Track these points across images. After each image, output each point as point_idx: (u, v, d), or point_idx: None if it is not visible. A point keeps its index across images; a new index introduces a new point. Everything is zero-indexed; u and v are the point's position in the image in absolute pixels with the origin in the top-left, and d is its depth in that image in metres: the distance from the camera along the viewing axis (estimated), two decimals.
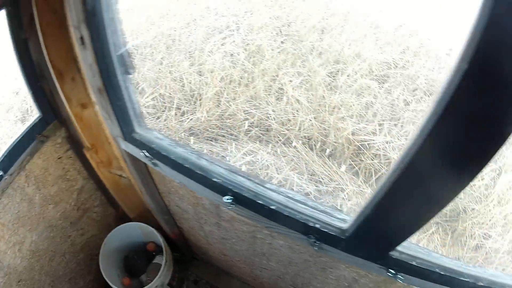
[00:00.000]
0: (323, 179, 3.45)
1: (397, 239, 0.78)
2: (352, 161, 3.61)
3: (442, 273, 0.82)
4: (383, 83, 3.96)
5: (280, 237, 1.24)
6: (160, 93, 3.77)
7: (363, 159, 3.58)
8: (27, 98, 4.14)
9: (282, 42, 4.26)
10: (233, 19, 4.61)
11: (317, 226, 0.89)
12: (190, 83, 3.84)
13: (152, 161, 1.23)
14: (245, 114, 3.69)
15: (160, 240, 2.04)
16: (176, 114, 3.68)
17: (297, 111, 3.75)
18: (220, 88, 3.81)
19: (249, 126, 3.64)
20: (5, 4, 1.18)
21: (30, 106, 4.07)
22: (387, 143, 3.55)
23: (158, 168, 1.25)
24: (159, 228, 2.09)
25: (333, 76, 4.02)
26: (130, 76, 1.09)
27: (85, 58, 1.04)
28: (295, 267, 1.47)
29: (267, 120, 3.70)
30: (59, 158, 1.79)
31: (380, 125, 3.65)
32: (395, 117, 3.71)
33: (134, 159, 1.42)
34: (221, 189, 1.03)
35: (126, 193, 2.00)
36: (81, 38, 0.98)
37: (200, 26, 4.53)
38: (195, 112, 3.67)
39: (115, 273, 2.14)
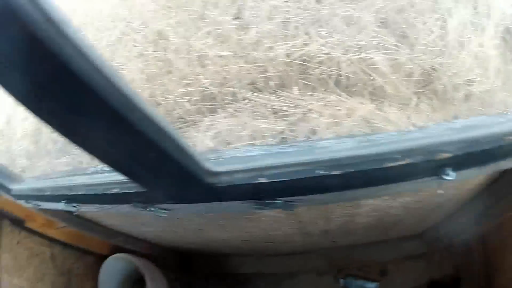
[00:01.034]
0: (288, 111, 3.40)
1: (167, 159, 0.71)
2: (306, 80, 3.52)
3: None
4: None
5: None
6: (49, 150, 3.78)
7: (311, 72, 3.49)
8: None
9: (175, 16, 4.12)
10: (122, 24, 4.49)
11: (118, 190, 0.95)
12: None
13: (34, 203, 1.36)
14: (184, 99, 3.65)
15: (132, 259, 2.15)
16: None
17: (226, 65, 3.66)
18: (150, 89, 3.75)
19: (191, 105, 3.61)
20: None
21: None
22: (323, 46, 3.42)
23: (41, 207, 1.39)
24: (132, 252, 2.23)
25: (238, 16, 3.87)
26: None
27: None
28: (231, 227, 1.49)
29: (206, 90, 3.64)
30: (18, 243, 1.99)
31: (306, 34, 3.51)
32: (316, 18, 3.57)
33: (43, 210, 1.54)
34: (58, 198, 1.15)
35: (85, 237, 2.17)
36: None
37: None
38: None
39: None
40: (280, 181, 0.75)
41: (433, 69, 3.10)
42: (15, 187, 1.42)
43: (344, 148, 0.78)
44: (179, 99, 3.64)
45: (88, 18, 4.57)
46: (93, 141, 0.61)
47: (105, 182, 1.01)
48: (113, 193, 0.97)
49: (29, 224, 1.97)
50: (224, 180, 0.77)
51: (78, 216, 1.79)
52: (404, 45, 3.27)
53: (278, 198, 0.82)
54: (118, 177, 0.92)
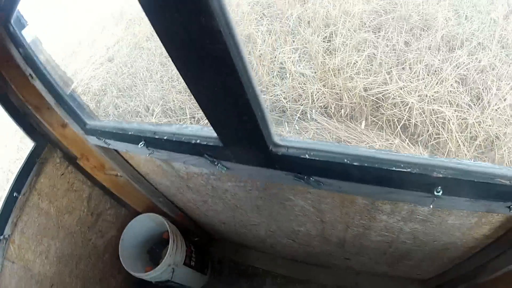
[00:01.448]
0: (351, 143, 3.61)
1: (253, 127, 0.96)
2: (373, 117, 3.72)
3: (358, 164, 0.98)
4: (379, 32, 4.05)
5: (224, 178, 1.52)
6: (170, 108, 4.24)
7: (383, 111, 3.68)
8: None
9: (269, 25, 4.56)
10: None
11: (198, 141, 1.17)
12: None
13: (105, 141, 1.62)
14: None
15: (164, 222, 2.40)
16: (191, 123, 4.13)
17: (304, 84, 3.96)
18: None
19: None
20: None
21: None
22: (401, 88, 3.62)
23: (110, 146, 1.65)
24: (165, 215, 2.48)
25: (328, 40, 4.18)
26: (68, 91, 1.63)
27: (38, 86, 1.61)
28: (265, 211, 1.73)
29: (279, 102, 3.97)
30: (62, 175, 2.28)
31: (388, 73, 3.73)
32: (401, 61, 3.78)
33: (105, 150, 1.84)
34: (135, 139, 1.38)
35: (127, 190, 2.42)
36: (30, 75, 1.57)
37: None
38: None
39: (140, 265, 2.56)
40: (317, 160, 1.02)
41: (497, 137, 3.15)
42: (90, 122, 1.71)
43: (368, 151, 1.03)
44: None
45: None
46: (207, 90, 0.86)
47: (188, 133, 1.22)
48: (192, 143, 1.18)
49: (80, 162, 2.21)
50: (281, 151, 1.05)
51: (133, 167, 2.10)
52: (476, 106, 3.36)
53: (312, 176, 1.10)
54: (199, 132, 1.19)
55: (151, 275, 2.29)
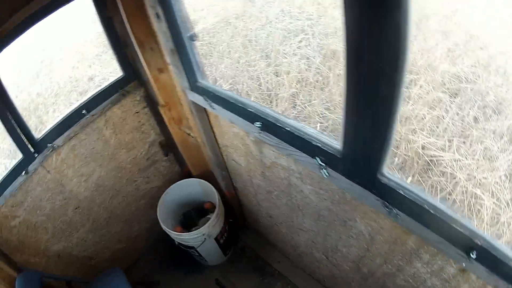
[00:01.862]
0: None
1: (376, 155, 1.15)
2: (420, 176, 3.93)
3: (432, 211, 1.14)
4: (455, 97, 4.23)
5: (307, 180, 1.74)
6: (237, 90, 4.49)
7: (430, 176, 3.88)
8: (103, 83, 5.39)
9: None
10: (307, 23, 5.23)
11: (319, 145, 1.34)
12: (267, 82, 4.48)
13: (210, 104, 1.82)
14: (319, 117, 4.26)
15: (216, 196, 2.61)
16: None
17: None
18: (296, 90, 4.40)
19: (321, 129, 4.20)
20: None
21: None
22: (455, 161, 3.81)
23: (214, 110, 1.84)
24: (217, 188, 2.69)
25: (407, 86, 4.41)
26: (194, 42, 1.76)
27: (160, 28, 1.73)
28: (324, 222, 1.96)
29: (338, 125, 4.21)
30: (136, 113, 2.51)
31: (449, 141, 3.90)
32: (464, 134, 3.94)
33: (198, 110, 2.02)
34: (253, 117, 1.58)
35: (192, 151, 2.64)
36: (157, 14, 1.68)
37: (276, 29, 5.25)
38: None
39: (170, 223, 2.76)
40: (406, 197, 1.26)
41: None
42: (202, 81, 1.86)
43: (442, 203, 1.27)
44: (314, 113, 4.26)
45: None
46: (361, 101, 1.03)
47: (310, 133, 1.40)
48: (310, 143, 1.37)
49: (161, 109, 2.41)
50: (384, 180, 1.19)
51: (214, 134, 2.26)
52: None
53: (395, 209, 1.34)
54: (319, 136, 1.37)
55: (183, 237, 2.50)
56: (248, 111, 1.62)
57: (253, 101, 1.69)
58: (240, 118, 1.70)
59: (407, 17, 0.76)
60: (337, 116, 4.20)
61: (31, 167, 2.17)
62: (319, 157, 1.41)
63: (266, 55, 4.87)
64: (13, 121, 2.03)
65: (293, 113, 4.28)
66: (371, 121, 1.06)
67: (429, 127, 4.09)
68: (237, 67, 4.74)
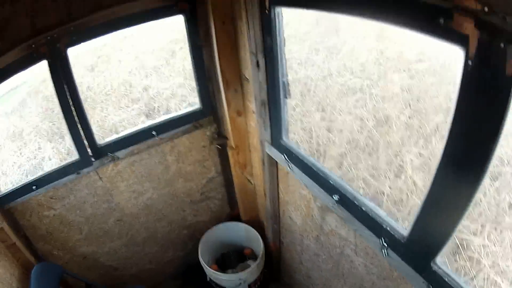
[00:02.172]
0: None
1: (437, 245, 1.36)
2: (447, 258, 3.99)
3: None
4: (495, 181, 4.31)
5: (361, 253, 1.93)
6: (293, 137, 4.74)
7: (457, 259, 3.95)
8: (156, 97, 6.00)
9: (409, 117, 4.97)
10: (366, 83, 5.48)
11: (388, 228, 1.56)
12: (318, 137, 4.71)
13: (289, 164, 2.06)
14: (363, 182, 4.41)
15: (261, 245, 2.82)
16: None
17: (411, 192, 4.32)
18: (344, 150, 4.62)
19: (363, 194, 4.32)
20: (184, 12, 2.17)
21: (158, 106, 5.89)
22: (483, 246, 3.86)
23: (291, 170, 2.07)
24: (263, 237, 2.90)
25: None
26: (287, 99, 1.97)
27: (256, 77, 1.95)
28: None
29: (381, 194, 4.35)
30: (203, 147, 2.76)
31: (482, 226, 3.99)
32: (498, 220, 4.02)
33: (271, 163, 2.28)
34: (332, 189, 1.80)
35: (247, 197, 2.89)
36: (257, 62, 1.88)
37: (335, 83, 5.52)
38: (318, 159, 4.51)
39: (207, 259, 2.99)
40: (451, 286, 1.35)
41: None
42: (286, 141, 2.07)
43: None
44: (357, 178, 4.42)
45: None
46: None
47: (381, 215, 1.62)
48: (379, 224, 1.58)
49: (229, 150, 2.65)
50: (435, 268, 1.38)
51: (278, 189, 2.46)
52: None
53: None
54: (387, 218, 1.62)
55: (220, 276, 2.73)
56: (328, 182, 1.85)
57: (327, 169, 1.86)
58: (316, 185, 1.93)
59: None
60: (380, 184, 4.32)
61: (84, 170, 2.42)
62: (384, 238, 1.63)
63: (322, 109, 5.11)
64: (78, 122, 2.27)
65: (338, 173, 4.45)
66: (445, 215, 1.26)
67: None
68: (292, 115, 4.98)
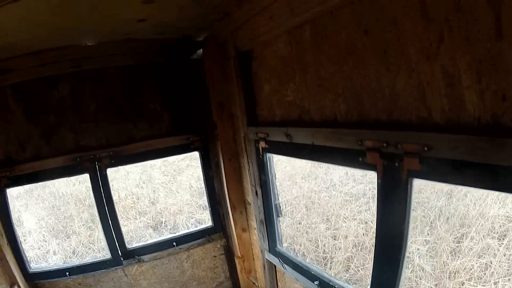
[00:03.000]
0: None
1: None
2: None
3: None
4: (503, 239, 4.91)
5: None
6: (294, 249, 5.59)
7: None
8: (163, 212, 7.37)
9: (413, 210, 5.79)
10: (369, 186, 6.35)
11: None
12: (324, 245, 5.55)
13: (283, 265, 2.98)
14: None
15: None
16: None
17: (420, 278, 4.95)
18: (351, 254, 5.38)
19: None
20: (199, 149, 3.53)
21: (165, 221, 7.28)
22: None
23: (285, 270, 2.96)
24: None
25: (458, 241, 5.18)
26: (279, 217, 3.01)
27: (255, 202, 3.02)
28: None
29: None
30: (214, 257, 3.83)
31: (495, 283, 4.56)
32: (509, 272, 4.57)
33: (270, 267, 3.23)
34: (313, 277, 2.62)
35: None
36: (256, 192, 2.97)
37: (339, 192, 6.46)
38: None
39: None
40: None
41: None
42: (279, 247, 3.01)
43: None
44: (366, 277, 5.18)
45: None
46: None
47: None
48: None
49: (236, 259, 3.55)
50: None
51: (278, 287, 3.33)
52: None
53: None
54: None
55: None
56: (310, 273, 2.70)
57: (311, 263, 2.72)
58: (303, 277, 2.78)
59: None
60: None
61: (113, 268, 3.46)
62: None
63: (327, 219, 6.09)
64: (112, 228, 3.39)
65: (345, 276, 5.22)
66: None
67: (476, 275, 4.79)
68: (297, 228, 5.92)
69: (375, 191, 1.75)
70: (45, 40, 2.65)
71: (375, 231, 1.84)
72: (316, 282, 2.59)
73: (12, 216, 3.21)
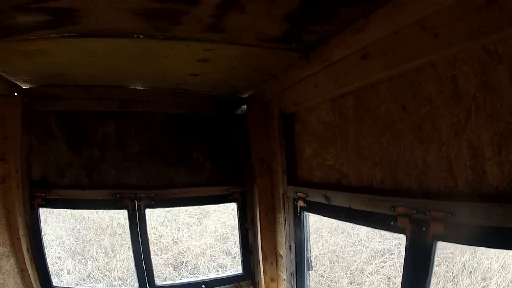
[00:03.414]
0: None
1: None
2: None
3: None
4: None
5: None
6: None
7: None
8: (185, 252, 7.51)
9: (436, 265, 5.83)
10: (395, 243, 6.42)
11: None
12: None
13: None
14: None
15: None
16: None
17: None
18: None
19: None
20: (237, 201, 3.68)
21: (186, 261, 7.39)
22: None
23: None
24: None
25: None
26: (310, 271, 3.11)
27: (288, 256, 3.16)
28: None
29: None
30: None
31: None
32: None
33: None
34: None
35: None
36: (290, 246, 3.12)
37: (365, 247, 6.51)
38: None
39: None
40: None
41: None
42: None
43: None
44: None
45: None
46: None
47: None
48: None
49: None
50: None
51: None
52: None
53: None
54: None
55: None
56: None
57: None
58: None
59: None
60: None
61: None
62: None
63: (350, 273, 6.07)
64: (144, 263, 3.53)
65: None
66: None
67: None
68: (319, 281, 5.96)
69: (401, 247, 1.88)
70: (94, 77, 2.90)
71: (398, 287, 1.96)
72: None
73: (42, 233, 3.37)
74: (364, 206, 2.05)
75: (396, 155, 1.83)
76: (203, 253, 7.69)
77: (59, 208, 3.48)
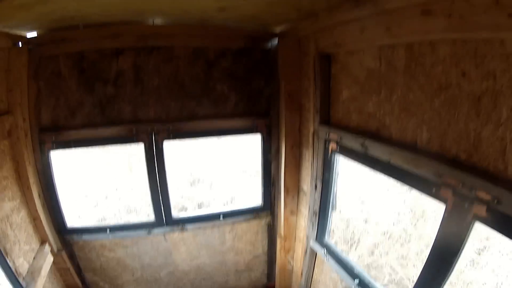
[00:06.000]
0: None
1: None
2: None
3: None
4: None
5: None
6: None
7: None
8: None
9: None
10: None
11: None
12: (354, 227, 5.93)
13: (327, 256, 3.29)
14: (390, 269, 5.50)
15: None
16: None
17: None
18: (378, 241, 5.77)
19: (388, 281, 5.42)
20: (262, 132, 3.80)
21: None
22: None
23: (326, 260, 3.28)
24: None
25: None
26: (335, 211, 3.27)
27: (313, 195, 3.34)
28: None
29: (406, 280, 5.41)
30: (256, 232, 4.17)
31: None
32: None
33: (312, 253, 3.55)
34: (354, 275, 2.95)
35: (285, 274, 4.16)
36: (316, 186, 3.28)
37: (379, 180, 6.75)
38: (347, 254, 5.69)
39: None
40: None
41: None
42: (327, 241, 3.32)
43: None
44: (388, 265, 5.60)
45: None
46: None
47: None
48: None
49: (278, 238, 3.96)
50: None
51: (313, 272, 3.69)
52: None
53: None
54: None
55: None
56: (352, 271, 3.03)
57: (355, 263, 3.01)
58: (344, 272, 3.09)
59: None
60: (407, 272, 5.41)
61: (155, 231, 3.86)
62: None
63: (362, 201, 6.35)
64: (160, 196, 3.75)
65: (367, 260, 5.61)
66: None
67: None
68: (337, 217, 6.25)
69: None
70: (106, 15, 2.82)
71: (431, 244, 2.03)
72: (356, 281, 2.87)
73: (55, 176, 3.49)
74: (405, 164, 2.11)
75: (448, 120, 1.85)
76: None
77: (71, 147, 3.48)
